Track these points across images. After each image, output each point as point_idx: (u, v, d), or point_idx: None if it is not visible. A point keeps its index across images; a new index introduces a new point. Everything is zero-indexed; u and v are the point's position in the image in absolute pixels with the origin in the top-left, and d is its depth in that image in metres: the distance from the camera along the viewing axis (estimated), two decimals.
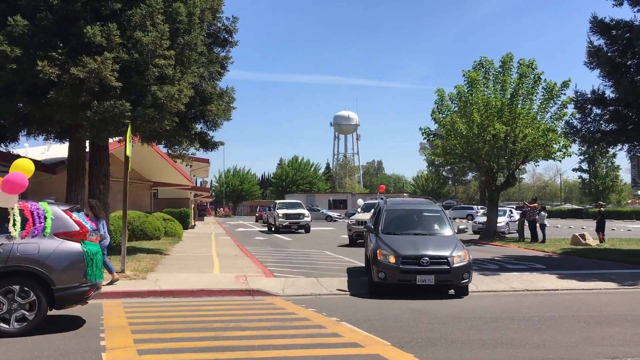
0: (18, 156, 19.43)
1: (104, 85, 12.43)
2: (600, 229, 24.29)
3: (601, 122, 19.13)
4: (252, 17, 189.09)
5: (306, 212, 35.47)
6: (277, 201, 38.99)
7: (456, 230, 13.16)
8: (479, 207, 41.99)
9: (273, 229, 35.63)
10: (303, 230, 34.16)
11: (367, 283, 12.31)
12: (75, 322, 8.85)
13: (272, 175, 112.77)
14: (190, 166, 25.71)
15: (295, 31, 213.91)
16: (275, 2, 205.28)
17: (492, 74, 25.74)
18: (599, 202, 30.91)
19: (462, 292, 11.57)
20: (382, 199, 14.78)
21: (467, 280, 11.32)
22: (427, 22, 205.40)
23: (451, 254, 11.28)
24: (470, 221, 40.94)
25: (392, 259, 11.20)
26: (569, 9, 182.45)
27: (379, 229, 12.69)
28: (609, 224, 43.21)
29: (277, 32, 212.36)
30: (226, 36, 18.38)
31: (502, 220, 29.52)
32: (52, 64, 12.15)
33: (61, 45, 13.09)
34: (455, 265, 11.17)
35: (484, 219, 32.11)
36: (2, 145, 17.14)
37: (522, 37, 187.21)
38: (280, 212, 34.73)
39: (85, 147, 16.37)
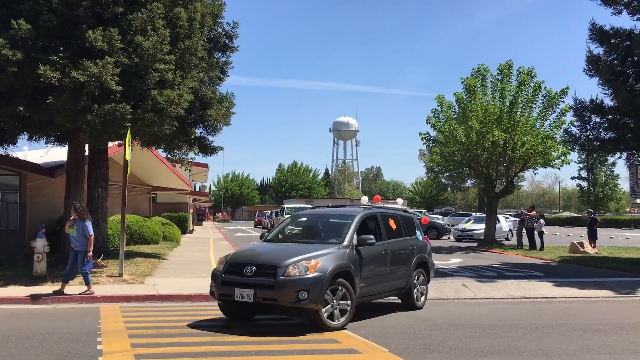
0: (17, 159, 19.43)
1: (104, 90, 12.45)
2: (594, 236, 24.29)
3: (600, 130, 19.15)
4: (252, 23, 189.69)
5: None
6: (285, 205, 35.83)
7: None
8: (477, 214, 41.98)
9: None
10: None
11: None
12: (73, 326, 8.83)
13: (271, 180, 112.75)
14: (189, 171, 25.75)
15: (295, 37, 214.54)
16: (275, 8, 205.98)
17: (491, 81, 25.86)
18: (589, 209, 30.86)
19: (313, 323, 8.44)
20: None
21: (305, 300, 8.15)
22: (427, 29, 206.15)
23: (286, 264, 8.41)
24: (446, 224, 40.08)
25: (220, 267, 9.11)
26: (568, 17, 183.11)
27: (267, 237, 10.58)
28: (608, 232, 43.37)
29: (277, 38, 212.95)
30: (226, 41, 18.43)
31: (480, 228, 29.36)
32: (53, 68, 12.17)
33: (62, 49, 13.11)
34: (284, 278, 8.25)
35: (466, 225, 32.12)
36: (1, 148, 17.13)
37: (521, 45, 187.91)
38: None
39: (85, 151, 16.38)
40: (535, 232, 24.86)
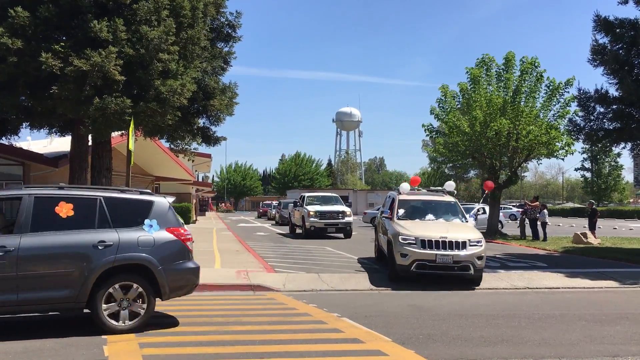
0: (20, 149, 19.46)
1: (107, 80, 12.43)
2: (593, 227, 24.30)
3: (604, 120, 19.06)
4: (255, 13, 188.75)
5: (347, 209, 26.78)
6: (306, 194, 29.48)
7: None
8: (478, 204, 41.88)
9: (301, 231, 26.90)
10: (342, 235, 25.89)
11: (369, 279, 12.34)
12: (77, 315, 8.87)
13: (274, 171, 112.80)
14: (192, 161, 25.65)
15: (298, 28, 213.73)
16: None
17: (495, 71, 25.75)
18: (590, 200, 30.82)
19: None
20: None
21: None
22: (430, 20, 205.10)
23: None
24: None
25: None
26: (572, 7, 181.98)
27: None
28: (611, 223, 43.29)
29: (280, 28, 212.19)
30: (229, 31, 18.39)
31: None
32: (55, 57, 12.14)
33: (64, 38, 13.08)
34: None
35: None
36: (4, 138, 17.15)
37: (525, 35, 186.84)
38: (312, 209, 25.97)
39: (88, 141, 16.39)
40: (538, 223, 24.87)
